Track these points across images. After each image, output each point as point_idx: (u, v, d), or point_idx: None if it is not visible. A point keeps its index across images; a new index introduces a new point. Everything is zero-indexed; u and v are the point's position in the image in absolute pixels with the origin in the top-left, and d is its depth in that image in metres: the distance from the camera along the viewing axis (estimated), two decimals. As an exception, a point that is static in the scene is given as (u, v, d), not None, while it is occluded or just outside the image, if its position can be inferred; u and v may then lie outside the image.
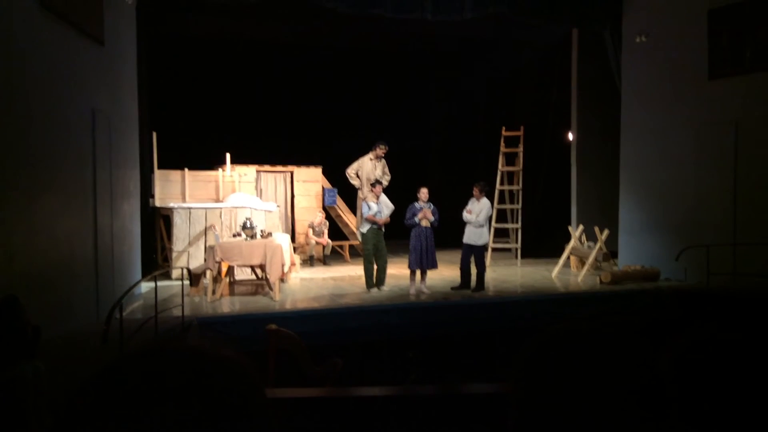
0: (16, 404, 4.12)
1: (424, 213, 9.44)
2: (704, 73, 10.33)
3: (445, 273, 11.03)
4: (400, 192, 11.72)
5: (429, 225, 9.49)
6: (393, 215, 9.91)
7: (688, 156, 10.60)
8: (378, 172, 11.61)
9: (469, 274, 9.87)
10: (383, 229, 9.86)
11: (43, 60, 6.70)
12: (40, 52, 6.63)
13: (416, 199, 9.60)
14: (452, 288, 9.93)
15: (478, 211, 9.77)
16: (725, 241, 9.74)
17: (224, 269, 9.49)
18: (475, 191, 9.86)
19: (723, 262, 9.51)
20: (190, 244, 11.09)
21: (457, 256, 10.20)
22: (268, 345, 6.06)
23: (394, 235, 12.47)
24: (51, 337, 5.51)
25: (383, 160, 11.86)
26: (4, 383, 4.12)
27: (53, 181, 6.86)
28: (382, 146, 11.75)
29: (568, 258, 11.95)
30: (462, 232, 9.93)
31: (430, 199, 9.68)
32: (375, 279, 9.83)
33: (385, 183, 11.65)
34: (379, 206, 9.79)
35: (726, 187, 10.04)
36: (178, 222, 11.06)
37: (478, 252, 9.81)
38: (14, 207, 6.14)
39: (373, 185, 10.17)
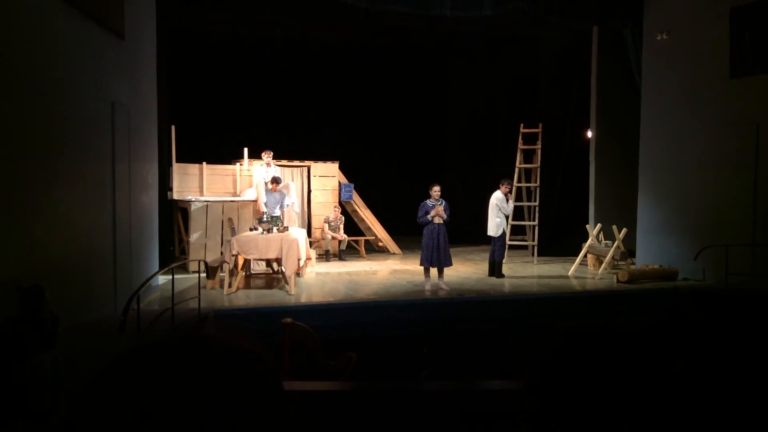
0: (34, 392, 4.18)
1: (437, 210, 9.43)
2: (726, 72, 10.18)
3: (461, 269, 11.01)
4: (413, 188, 11.69)
5: (442, 222, 9.49)
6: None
7: (708, 156, 10.47)
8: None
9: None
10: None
11: (64, 53, 6.75)
12: (61, 45, 6.68)
13: (428, 196, 9.59)
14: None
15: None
16: (744, 242, 9.63)
17: (240, 262, 9.54)
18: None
19: (742, 263, 9.40)
20: (207, 237, 11.16)
21: (474, 251, 10.18)
22: (283, 338, 6.08)
23: (409, 232, 12.46)
24: (69, 326, 5.58)
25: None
26: (24, 371, 4.18)
27: (73, 173, 6.93)
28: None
29: (586, 256, 11.88)
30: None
31: (447, 196, 9.66)
32: None
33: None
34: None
35: (746, 187, 9.91)
36: (196, 215, 11.13)
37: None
38: (34, 198, 6.21)
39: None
